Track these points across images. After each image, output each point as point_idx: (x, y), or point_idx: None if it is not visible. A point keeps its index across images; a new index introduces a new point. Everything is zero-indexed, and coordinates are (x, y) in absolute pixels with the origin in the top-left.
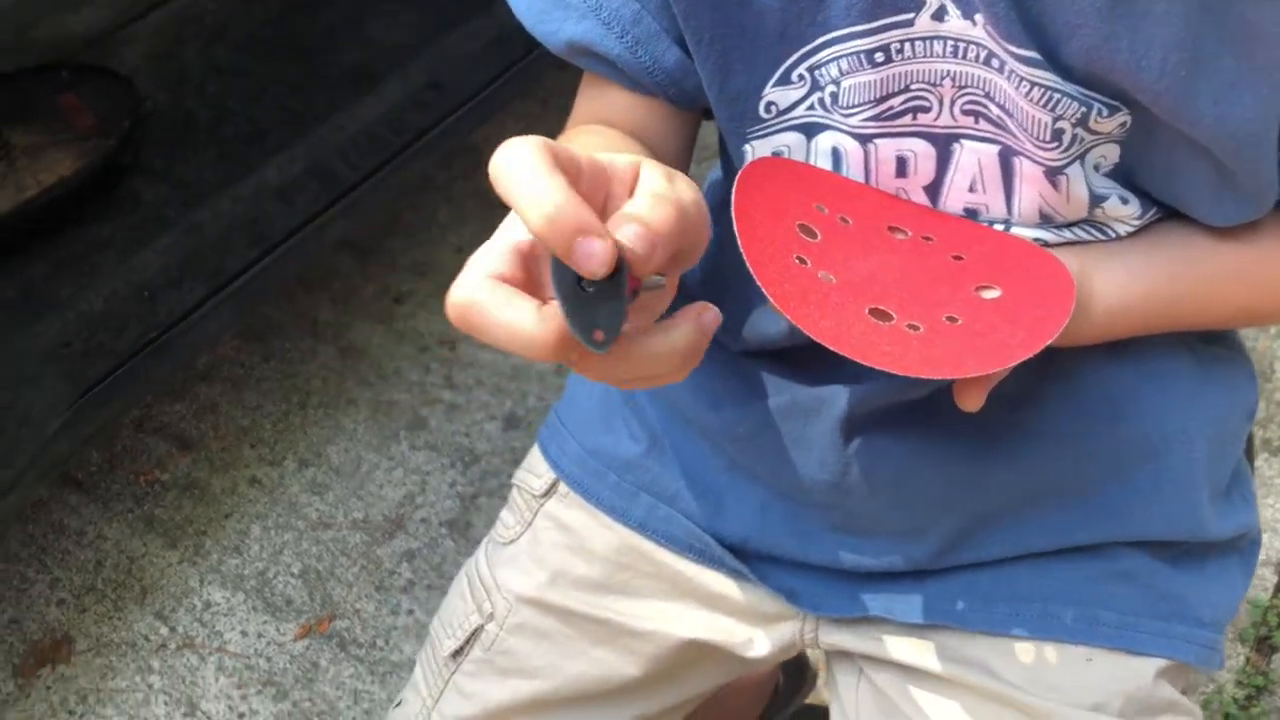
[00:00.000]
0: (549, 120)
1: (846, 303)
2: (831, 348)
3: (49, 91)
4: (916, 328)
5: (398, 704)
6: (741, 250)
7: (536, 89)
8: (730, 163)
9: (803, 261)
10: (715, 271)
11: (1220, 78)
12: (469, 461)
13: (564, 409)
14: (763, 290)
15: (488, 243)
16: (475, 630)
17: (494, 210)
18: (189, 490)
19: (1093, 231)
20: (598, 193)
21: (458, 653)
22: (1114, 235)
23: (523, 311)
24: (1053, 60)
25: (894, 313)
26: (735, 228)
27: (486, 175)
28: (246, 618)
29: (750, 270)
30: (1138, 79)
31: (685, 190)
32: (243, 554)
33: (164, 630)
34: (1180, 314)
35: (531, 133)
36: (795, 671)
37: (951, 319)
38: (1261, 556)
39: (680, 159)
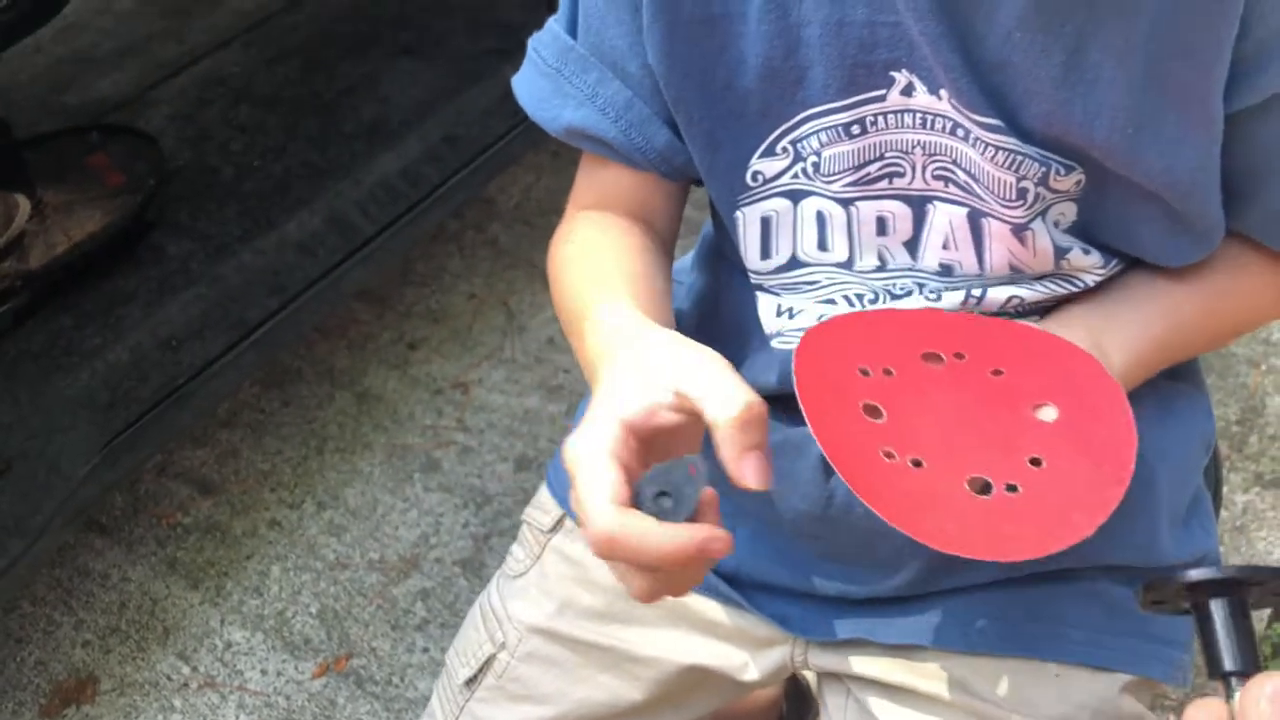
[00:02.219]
0: (558, 172)
1: (939, 483)
2: (946, 550)
3: (80, 151)
4: (1015, 488)
5: None
6: (835, 467)
7: (547, 141)
8: (720, 221)
9: (890, 456)
10: (711, 316)
11: (1164, 133)
12: (481, 502)
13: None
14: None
15: (587, 459)
16: (488, 659)
17: (504, 257)
18: (210, 533)
19: (1062, 284)
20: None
21: (471, 681)
22: (1083, 286)
23: (655, 537)
24: (1013, 125)
25: (991, 479)
26: (819, 443)
27: (497, 224)
28: (266, 657)
29: (854, 491)
30: (1091, 138)
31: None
32: (262, 594)
33: (186, 670)
34: (1169, 358)
35: (540, 184)
36: (798, 699)
37: (1035, 461)
38: None
39: (672, 225)
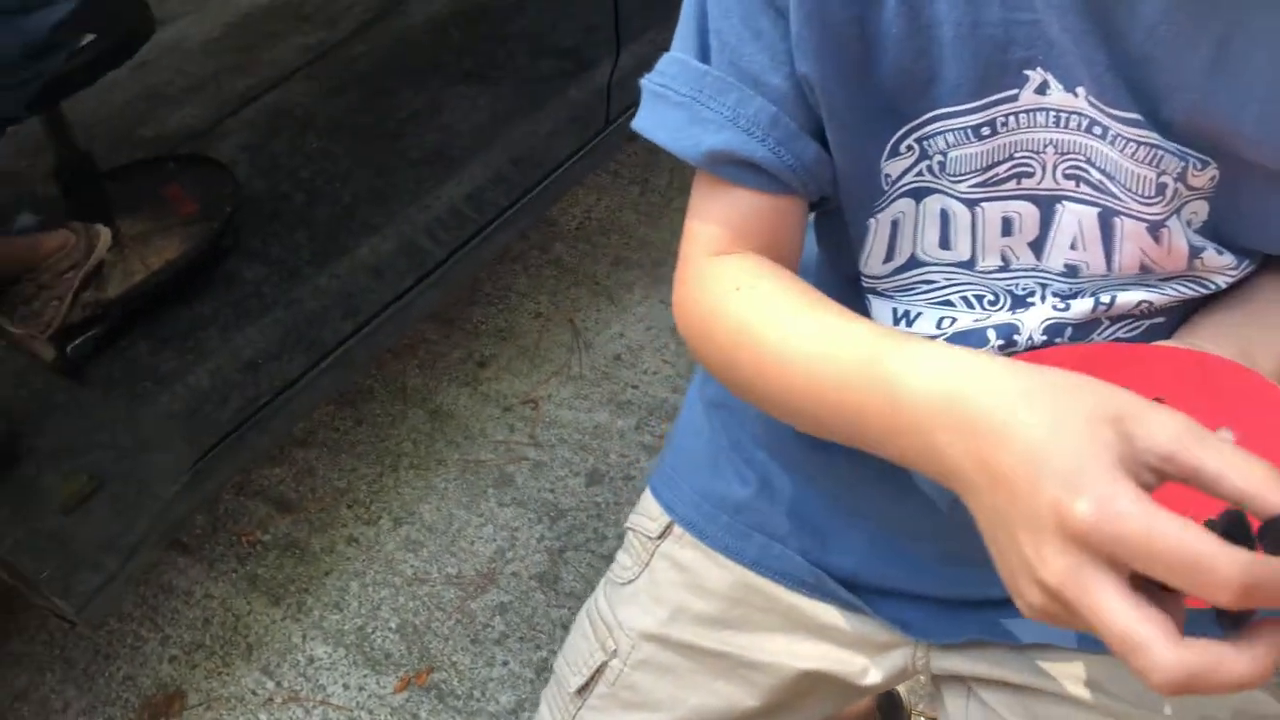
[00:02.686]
0: (619, 191)
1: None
2: None
3: (156, 182)
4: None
5: None
6: None
7: (607, 162)
8: (834, 237)
9: None
10: None
11: None
12: (555, 517)
13: (673, 456)
14: None
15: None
16: (600, 667)
17: (568, 276)
18: (289, 550)
19: (1193, 286)
20: None
21: (583, 689)
22: (1214, 288)
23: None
24: (1154, 120)
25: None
26: None
27: (560, 244)
28: (348, 672)
29: None
30: (1238, 127)
31: None
32: (342, 610)
33: (270, 685)
34: None
35: (600, 204)
36: (890, 709)
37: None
38: None
39: (798, 252)
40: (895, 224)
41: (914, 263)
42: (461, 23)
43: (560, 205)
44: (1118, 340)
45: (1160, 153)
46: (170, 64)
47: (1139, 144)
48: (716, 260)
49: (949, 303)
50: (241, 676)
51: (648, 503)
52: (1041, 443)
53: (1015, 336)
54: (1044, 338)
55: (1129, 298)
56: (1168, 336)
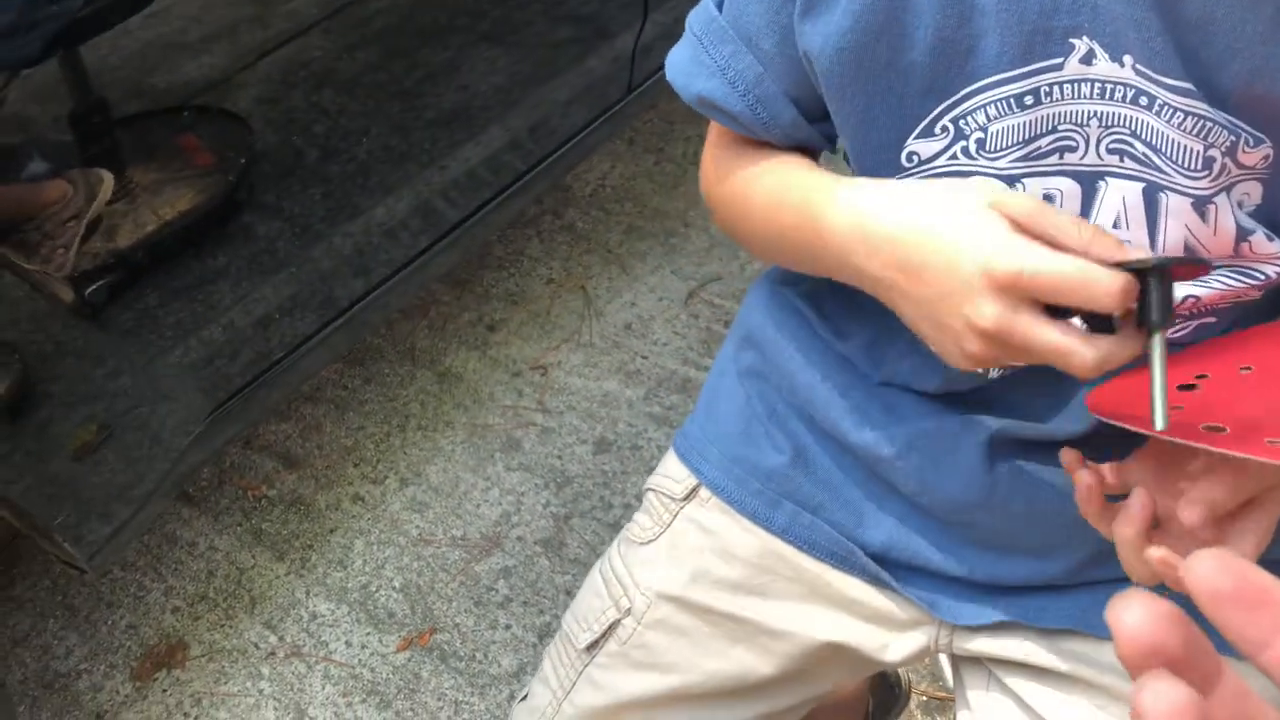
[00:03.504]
0: (634, 159)
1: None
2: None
3: (171, 132)
4: None
5: (523, 698)
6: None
7: (624, 129)
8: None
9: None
10: (851, 298)
11: None
12: (561, 483)
13: (701, 419)
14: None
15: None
16: (612, 624)
17: (581, 242)
18: (295, 506)
19: (1240, 276)
20: None
21: (592, 646)
22: (1263, 278)
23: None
24: (1206, 88)
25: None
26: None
27: (574, 210)
28: (351, 629)
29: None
30: None
31: None
32: (347, 568)
33: (273, 639)
34: None
35: (615, 171)
36: (885, 691)
37: None
38: None
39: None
40: None
41: None
42: None
43: (575, 171)
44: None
45: (1209, 124)
46: (187, 12)
47: (1187, 114)
48: (741, 149)
49: None
50: (244, 630)
51: (671, 464)
52: (952, 231)
53: None
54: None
55: (1175, 293)
56: (1219, 336)
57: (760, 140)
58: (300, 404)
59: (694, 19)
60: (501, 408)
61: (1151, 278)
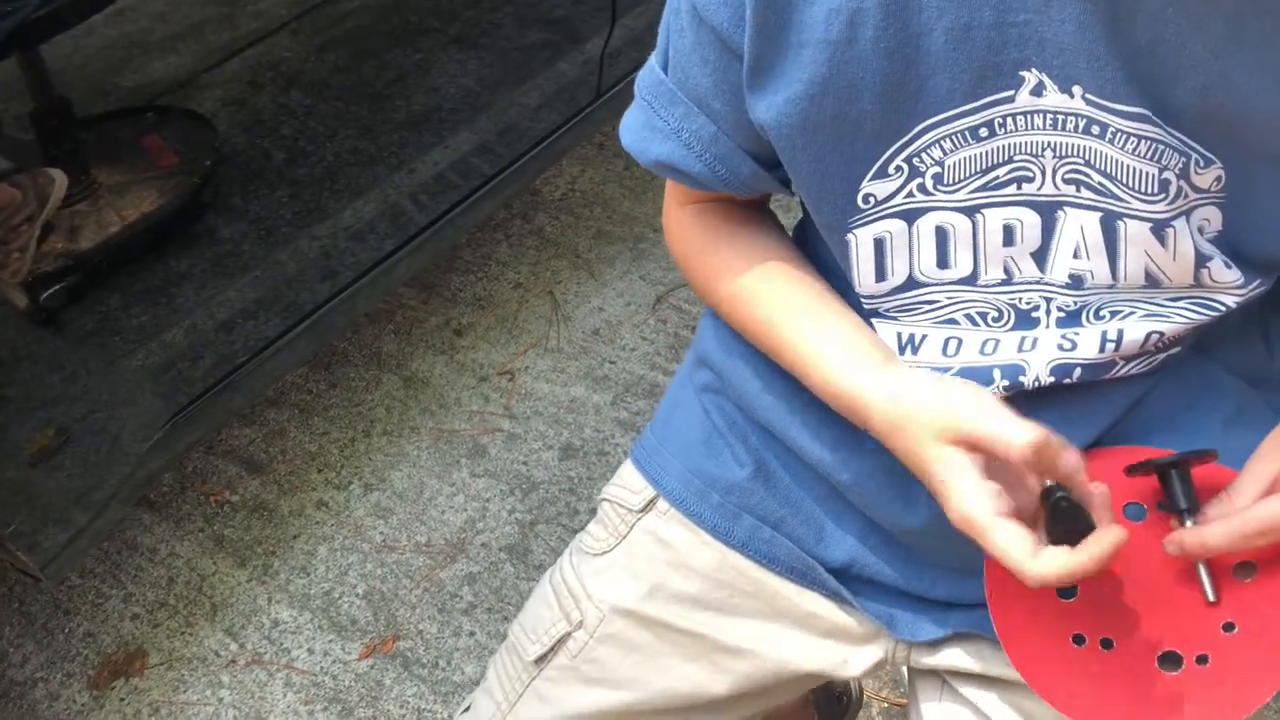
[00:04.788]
0: (603, 164)
1: (1128, 664)
2: None
3: (135, 132)
4: (1205, 659)
5: (466, 709)
6: (1015, 666)
7: (593, 134)
8: (824, 250)
9: (1080, 641)
10: None
11: None
12: (527, 489)
13: (661, 430)
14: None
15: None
16: (562, 637)
17: (550, 247)
18: (258, 511)
19: (1201, 308)
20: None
21: (541, 659)
22: (1223, 310)
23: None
24: (1160, 110)
25: (1181, 653)
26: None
27: (543, 215)
28: (313, 636)
29: (1033, 689)
30: (1251, 105)
31: None
32: (309, 574)
33: (234, 646)
34: None
35: (585, 176)
36: (830, 702)
37: (1229, 625)
38: None
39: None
40: (880, 242)
41: (912, 283)
42: None
43: (544, 176)
44: (1133, 376)
45: (1161, 147)
46: (153, 11)
47: (1140, 138)
48: (693, 210)
49: (953, 321)
50: (205, 637)
51: (629, 475)
52: (922, 468)
53: (1021, 378)
54: (1051, 379)
55: (1137, 331)
56: (1185, 372)
57: (722, 197)
58: (264, 409)
59: (642, 83)
60: (468, 413)
61: (1173, 472)
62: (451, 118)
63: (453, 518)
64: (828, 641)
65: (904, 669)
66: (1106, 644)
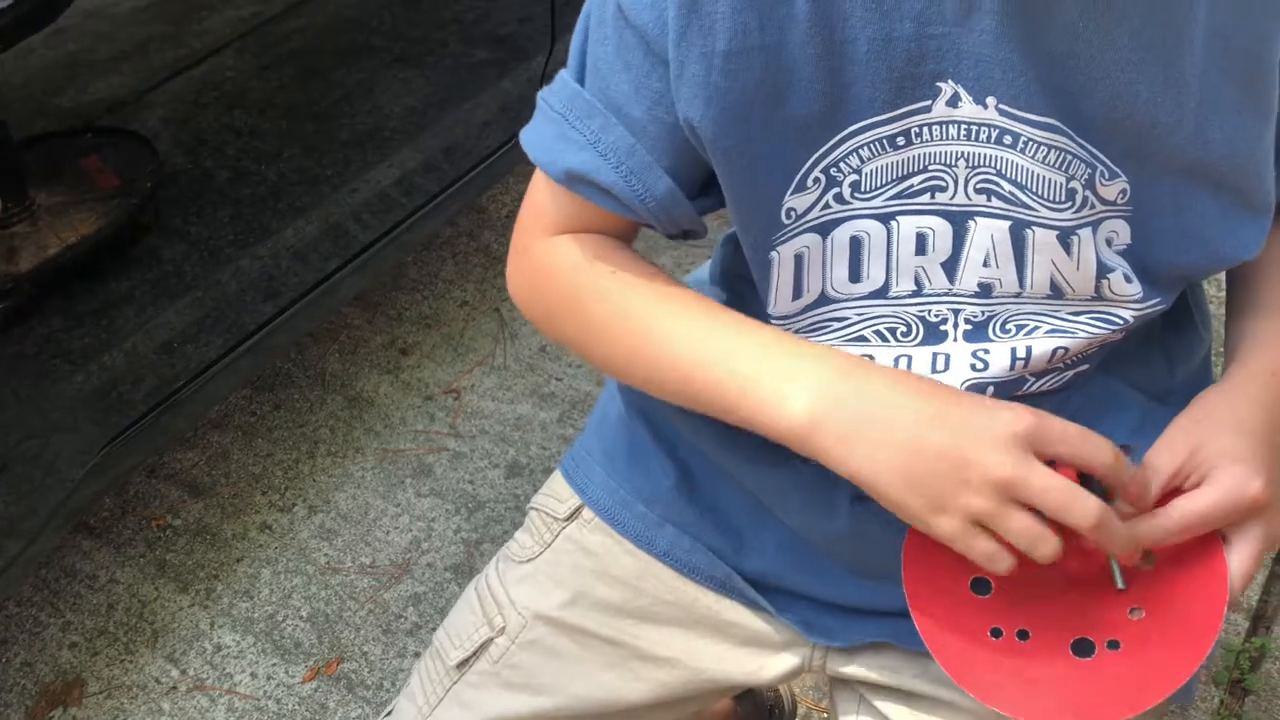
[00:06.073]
0: None
1: (1043, 653)
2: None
3: (74, 153)
4: (1116, 644)
5: (388, 713)
6: (936, 658)
7: None
8: (740, 272)
9: (997, 634)
10: None
11: (1227, 105)
12: (473, 508)
13: (590, 440)
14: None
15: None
16: (484, 643)
17: (496, 265)
18: (200, 535)
19: (1101, 321)
20: None
21: (463, 663)
22: (1120, 324)
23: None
24: (1070, 120)
25: (1094, 639)
26: (922, 636)
27: (489, 232)
28: (256, 660)
29: (955, 681)
30: (1157, 116)
31: None
32: (253, 598)
33: (175, 673)
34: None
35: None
36: (760, 715)
37: (1136, 610)
38: None
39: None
40: (799, 258)
41: (824, 300)
42: (398, 5)
43: (490, 193)
44: (1043, 393)
45: (1070, 157)
46: (94, 30)
47: (1049, 148)
48: (568, 239)
49: (863, 338)
50: (145, 664)
51: (556, 484)
52: (968, 411)
53: None
54: None
55: (1044, 346)
56: (1091, 388)
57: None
58: (207, 431)
59: (552, 97)
60: (413, 432)
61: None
62: (396, 136)
63: (397, 538)
64: (745, 649)
65: (823, 678)
66: (1023, 635)
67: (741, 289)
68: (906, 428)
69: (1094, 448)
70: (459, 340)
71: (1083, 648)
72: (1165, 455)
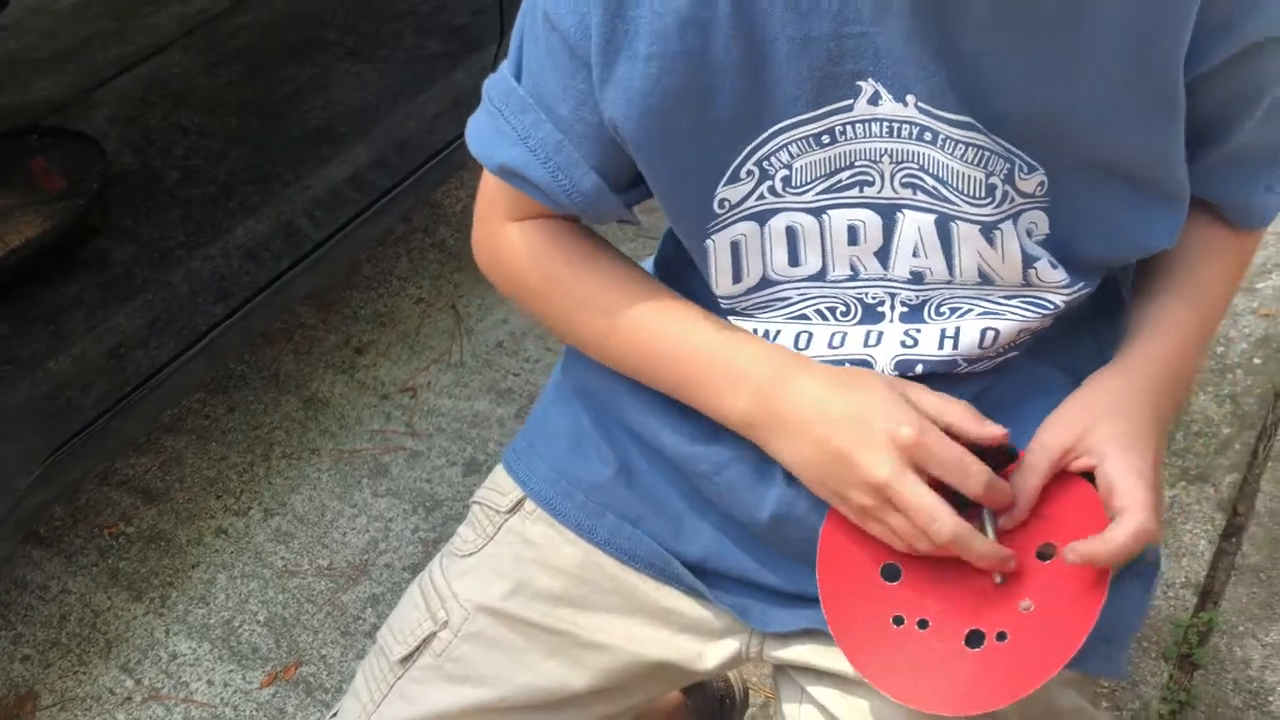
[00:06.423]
0: None
1: (939, 643)
2: (928, 710)
3: (19, 155)
4: (1004, 636)
5: (334, 714)
6: (837, 642)
7: None
8: (682, 254)
9: (900, 621)
10: None
11: (1138, 102)
12: (431, 507)
13: (532, 432)
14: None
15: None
16: (427, 637)
17: (452, 261)
18: (154, 542)
19: (1032, 306)
20: None
21: (407, 658)
22: (1051, 309)
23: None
24: (986, 118)
25: (984, 630)
26: (827, 620)
27: (445, 228)
28: (213, 667)
29: (853, 665)
30: (1070, 115)
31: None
32: (209, 604)
33: (129, 683)
34: (1178, 368)
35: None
36: (711, 705)
37: (1028, 605)
38: (1180, 578)
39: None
40: (736, 245)
41: (766, 282)
42: None
43: (445, 188)
44: (975, 374)
45: (987, 154)
46: (37, 28)
47: (968, 145)
48: (521, 229)
49: (805, 316)
50: (99, 675)
51: (499, 478)
52: (864, 394)
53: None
54: (895, 373)
55: (973, 328)
56: (1020, 371)
57: (564, 217)
58: (160, 435)
59: (492, 89)
60: (369, 432)
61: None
62: (347, 131)
63: (355, 539)
64: (684, 636)
65: (770, 677)
66: (923, 624)
67: (688, 275)
68: (816, 426)
69: (966, 476)
70: (415, 338)
71: (975, 639)
72: (1056, 434)
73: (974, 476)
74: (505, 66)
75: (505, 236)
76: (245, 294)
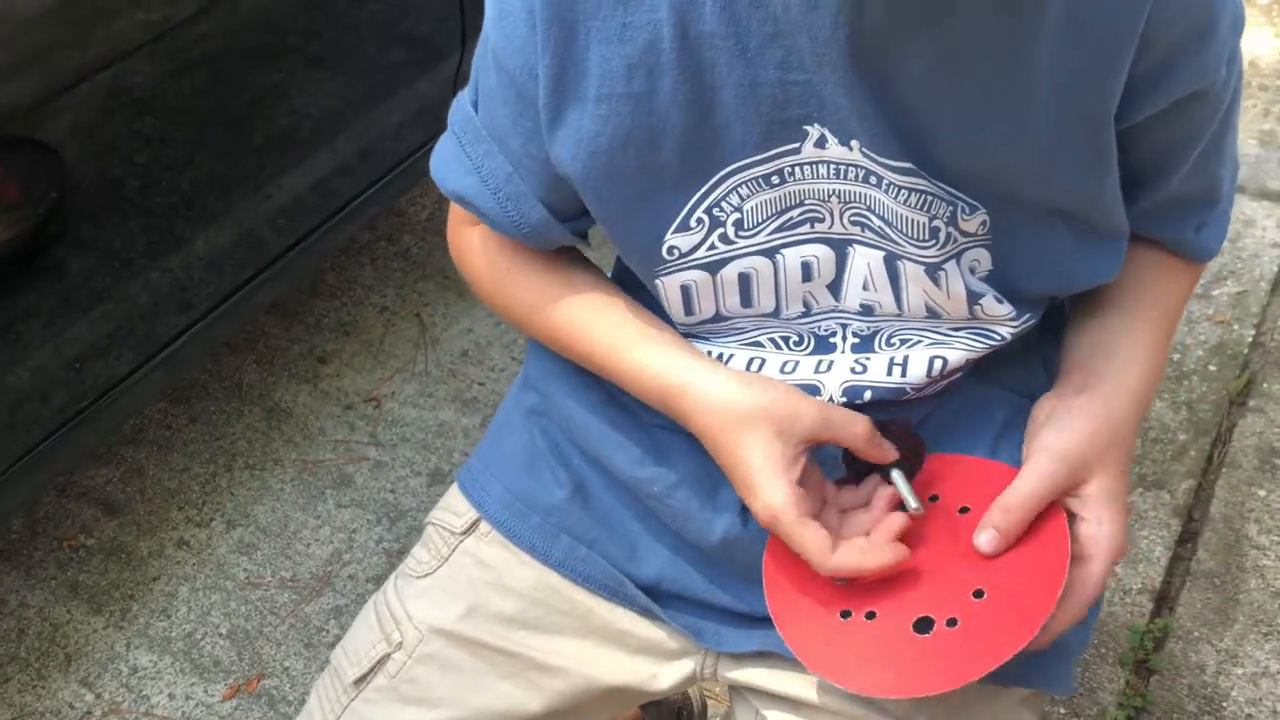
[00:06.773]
0: None
1: (886, 632)
2: (877, 695)
3: None
4: (955, 622)
5: None
6: (783, 637)
7: None
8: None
9: (847, 615)
10: None
11: (1071, 151)
12: (395, 518)
13: (486, 453)
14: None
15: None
16: (381, 658)
17: (416, 269)
18: (115, 555)
19: (980, 337)
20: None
21: (360, 680)
22: (998, 340)
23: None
24: (926, 164)
25: (934, 616)
26: (773, 617)
27: (409, 236)
28: (175, 680)
29: (798, 657)
30: (1005, 163)
31: None
32: (170, 616)
33: (89, 697)
34: (1146, 384)
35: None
36: (663, 718)
37: (979, 592)
38: (1137, 584)
39: None
40: (686, 289)
41: (719, 317)
42: (310, 6)
43: (409, 196)
44: (923, 400)
45: (930, 198)
46: None
47: (910, 190)
48: (478, 233)
49: (758, 344)
50: (58, 689)
51: (454, 498)
52: (742, 463)
53: (816, 397)
54: (844, 399)
55: (921, 358)
56: (966, 392)
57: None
58: (121, 446)
59: (454, 115)
60: (333, 443)
61: (893, 470)
62: (310, 139)
63: (318, 550)
64: (639, 657)
65: (727, 691)
66: (870, 616)
67: (642, 296)
68: (741, 454)
69: (812, 555)
70: (379, 347)
71: (924, 625)
72: (1033, 487)
73: (818, 561)
74: (465, 94)
75: (469, 239)
76: (207, 304)
